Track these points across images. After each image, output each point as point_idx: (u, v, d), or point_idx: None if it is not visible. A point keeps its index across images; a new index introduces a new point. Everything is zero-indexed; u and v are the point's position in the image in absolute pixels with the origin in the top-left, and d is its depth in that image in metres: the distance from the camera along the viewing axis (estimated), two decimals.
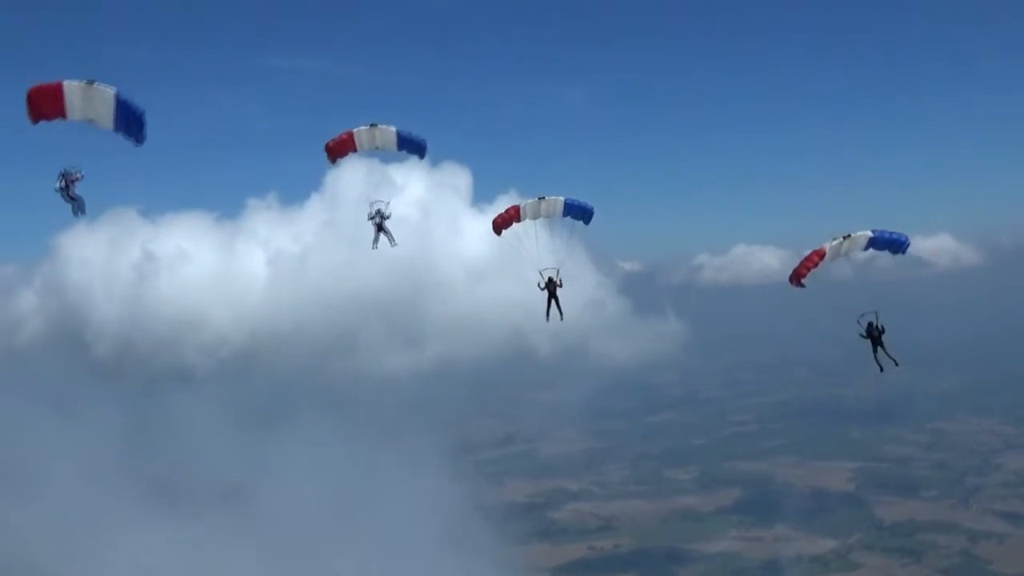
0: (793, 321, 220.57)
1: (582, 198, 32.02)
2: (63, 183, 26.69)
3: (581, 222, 33.46)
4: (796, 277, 27.79)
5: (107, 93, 22.69)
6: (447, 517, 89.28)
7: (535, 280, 32.44)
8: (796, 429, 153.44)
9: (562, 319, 33.76)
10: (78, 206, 27.47)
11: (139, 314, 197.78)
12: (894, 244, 27.77)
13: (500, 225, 33.66)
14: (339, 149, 32.17)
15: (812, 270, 27.54)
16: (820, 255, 27.31)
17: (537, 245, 33.77)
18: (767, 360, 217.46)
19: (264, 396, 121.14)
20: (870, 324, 28.93)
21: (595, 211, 33.13)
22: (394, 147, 32.16)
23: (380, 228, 33.72)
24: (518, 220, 33.25)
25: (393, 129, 32.05)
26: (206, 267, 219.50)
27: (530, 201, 32.85)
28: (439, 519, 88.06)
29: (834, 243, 27.27)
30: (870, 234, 27.55)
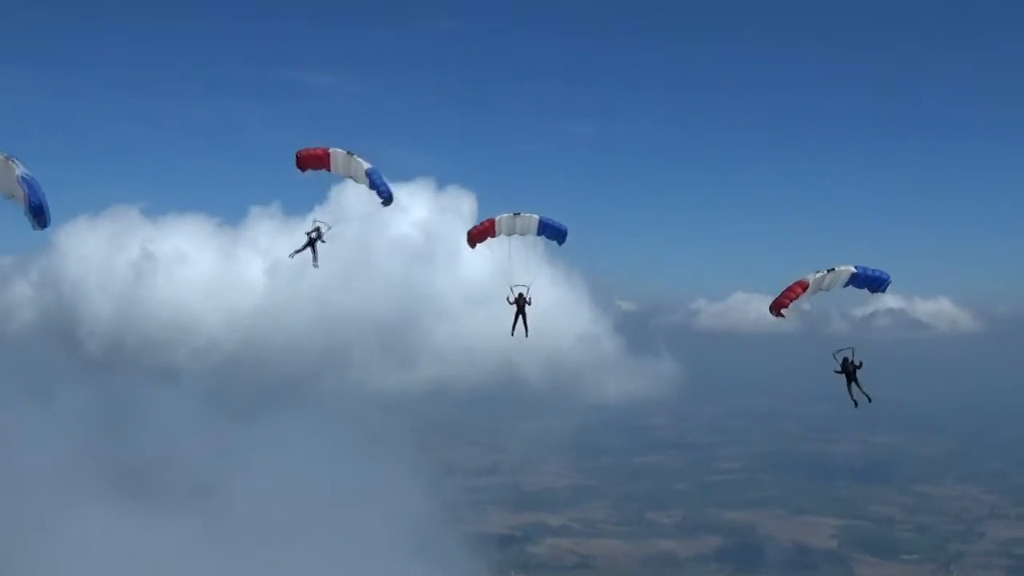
0: (786, 372, 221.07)
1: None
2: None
3: (556, 242, 33.20)
4: (776, 306, 27.88)
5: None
6: (421, 531, 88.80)
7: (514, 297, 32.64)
8: (782, 481, 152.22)
9: (527, 336, 33.94)
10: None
11: (133, 313, 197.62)
12: (875, 282, 27.93)
13: (475, 238, 33.49)
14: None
15: (794, 301, 27.71)
16: (803, 286, 27.53)
17: (511, 260, 33.60)
18: (758, 409, 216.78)
19: (249, 400, 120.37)
20: (845, 359, 29.05)
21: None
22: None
23: (311, 244, 33.35)
24: (493, 235, 33.04)
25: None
26: (204, 271, 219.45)
27: (505, 216, 32.68)
28: (412, 532, 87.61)
29: (817, 275, 27.53)
30: (853, 270, 27.66)
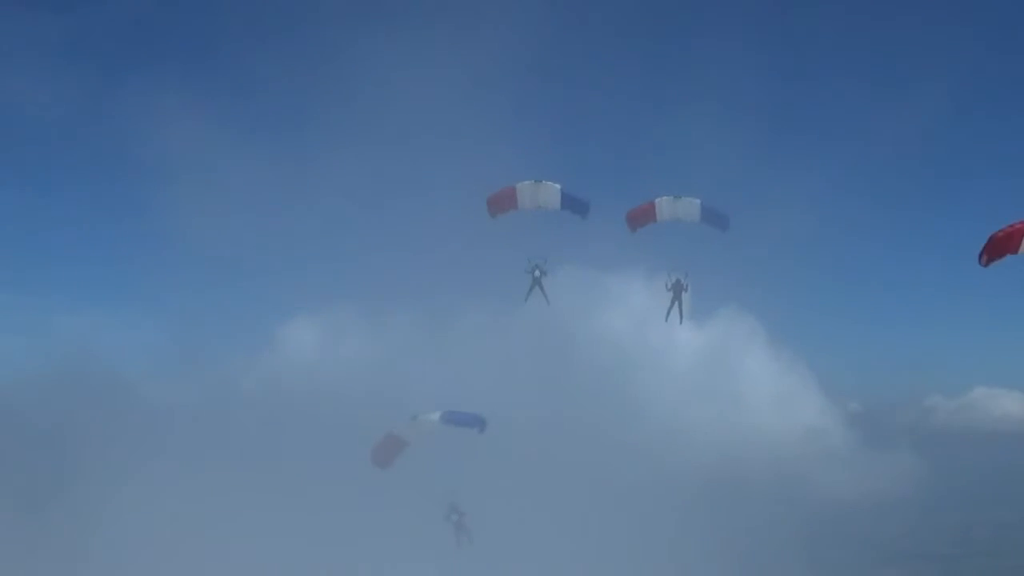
0: None
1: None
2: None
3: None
4: (987, 251, 22.74)
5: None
6: None
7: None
8: None
9: (681, 322, 33.02)
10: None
11: None
12: None
13: (635, 221, 31.61)
14: (501, 204, 31.23)
15: (1010, 252, 22.34)
16: None
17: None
18: (1007, 519, 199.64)
19: None
20: None
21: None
22: (557, 206, 30.81)
23: (537, 283, 33.42)
24: (654, 219, 31.17)
25: (557, 187, 30.53)
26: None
27: (665, 198, 30.67)
28: None
29: None
30: None
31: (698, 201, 30.12)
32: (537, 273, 33.77)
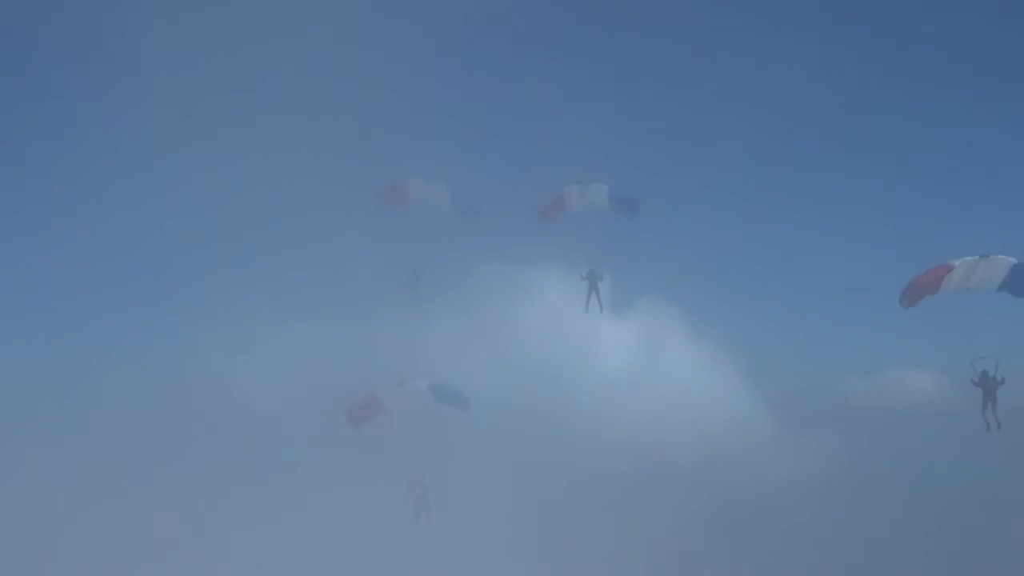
0: (948, 456, 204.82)
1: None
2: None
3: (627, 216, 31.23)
4: (908, 295, 23.99)
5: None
6: None
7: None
8: None
9: (601, 311, 33.44)
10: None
11: None
12: None
13: (545, 213, 31.68)
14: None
15: (929, 294, 23.50)
16: (947, 270, 23.32)
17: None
18: (926, 500, 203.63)
19: None
20: (984, 372, 25.38)
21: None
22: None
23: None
24: (564, 210, 31.39)
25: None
26: None
27: (574, 186, 30.90)
28: None
29: (966, 261, 23.09)
30: (1013, 261, 22.54)
31: (606, 187, 30.17)
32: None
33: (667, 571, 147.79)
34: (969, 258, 23.11)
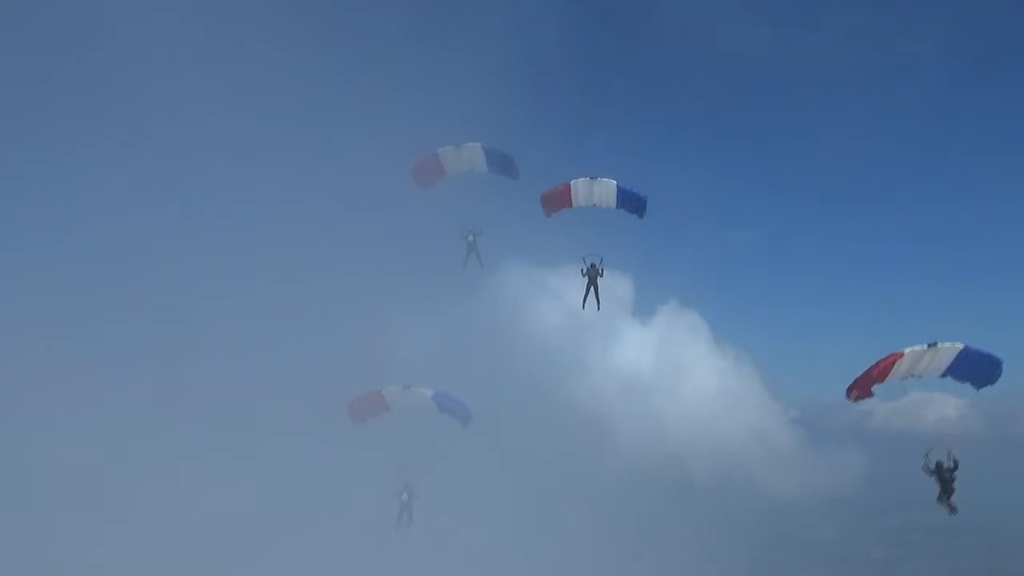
0: (974, 481, 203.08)
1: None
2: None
3: (636, 216, 30.00)
4: (858, 386, 23.78)
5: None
6: None
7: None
8: None
9: (599, 309, 32.09)
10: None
11: None
12: (983, 371, 22.38)
13: (549, 202, 30.21)
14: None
15: (877, 383, 23.51)
16: (897, 357, 23.53)
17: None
18: (940, 524, 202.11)
19: None
20: (939, 463, 24.68)
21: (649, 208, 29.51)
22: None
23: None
24: (569, 204, 30.23)
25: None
26: None
27: (582, 180, 29.43)
28: None
29: (916, 349, 23.40)
30: (960, 347, 22.49)
31: (614, 182, 29.12)
32: (471, 238, 32.88)
33: None
34: (918, 346, 23.42)
